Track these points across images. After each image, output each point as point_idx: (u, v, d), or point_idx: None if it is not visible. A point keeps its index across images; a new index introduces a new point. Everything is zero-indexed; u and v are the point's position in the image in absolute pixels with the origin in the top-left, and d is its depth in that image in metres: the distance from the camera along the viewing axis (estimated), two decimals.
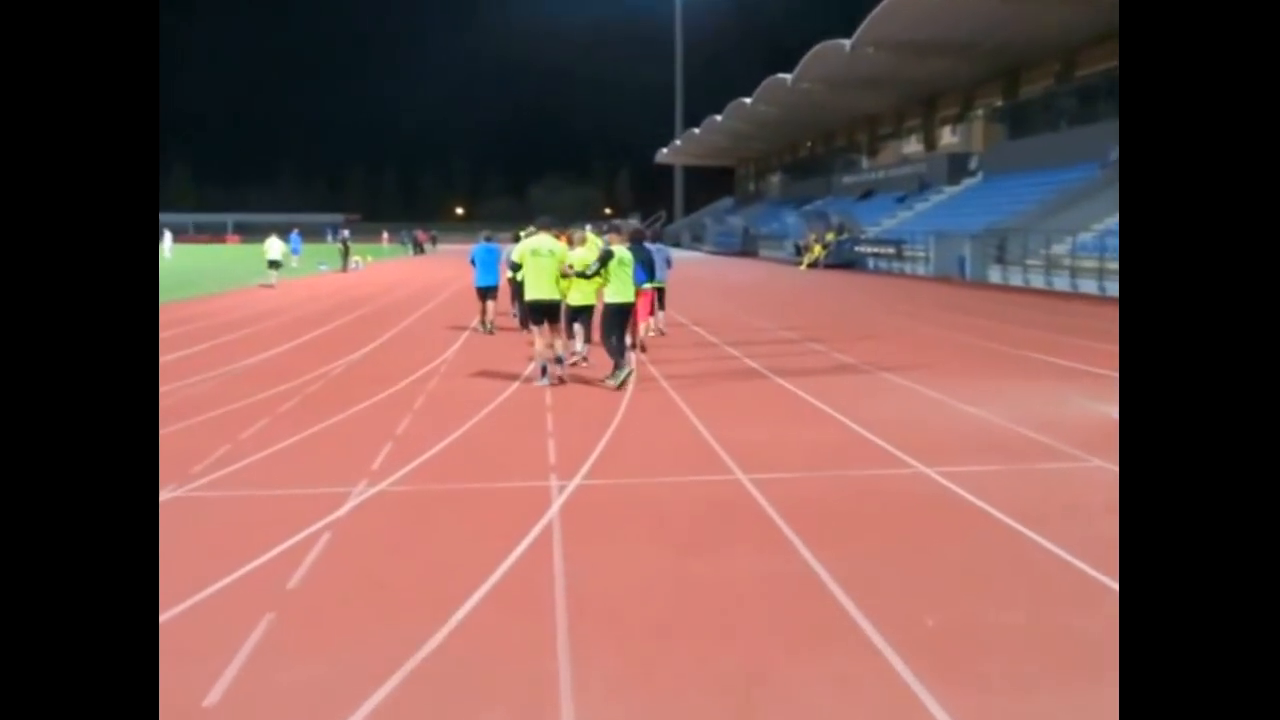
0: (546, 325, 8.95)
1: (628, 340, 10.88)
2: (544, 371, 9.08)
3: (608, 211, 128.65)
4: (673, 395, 8.73)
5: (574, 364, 9.78)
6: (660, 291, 13.62)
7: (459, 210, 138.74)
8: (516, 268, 9.40)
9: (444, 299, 20.65)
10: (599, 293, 9.10)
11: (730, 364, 11.02)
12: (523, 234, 14.30)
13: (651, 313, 12.89)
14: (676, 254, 12.27)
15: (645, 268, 12.23)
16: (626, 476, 5.64)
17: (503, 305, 15.98)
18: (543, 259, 9.24)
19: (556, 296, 9.01)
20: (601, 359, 10.06)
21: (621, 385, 8.58)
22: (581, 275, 9.07)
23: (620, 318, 8.99)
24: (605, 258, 8.97)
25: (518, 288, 12.70)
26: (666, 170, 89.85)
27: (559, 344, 9.10)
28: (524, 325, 10.47)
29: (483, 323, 13.92)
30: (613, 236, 9.55)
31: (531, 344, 9.46)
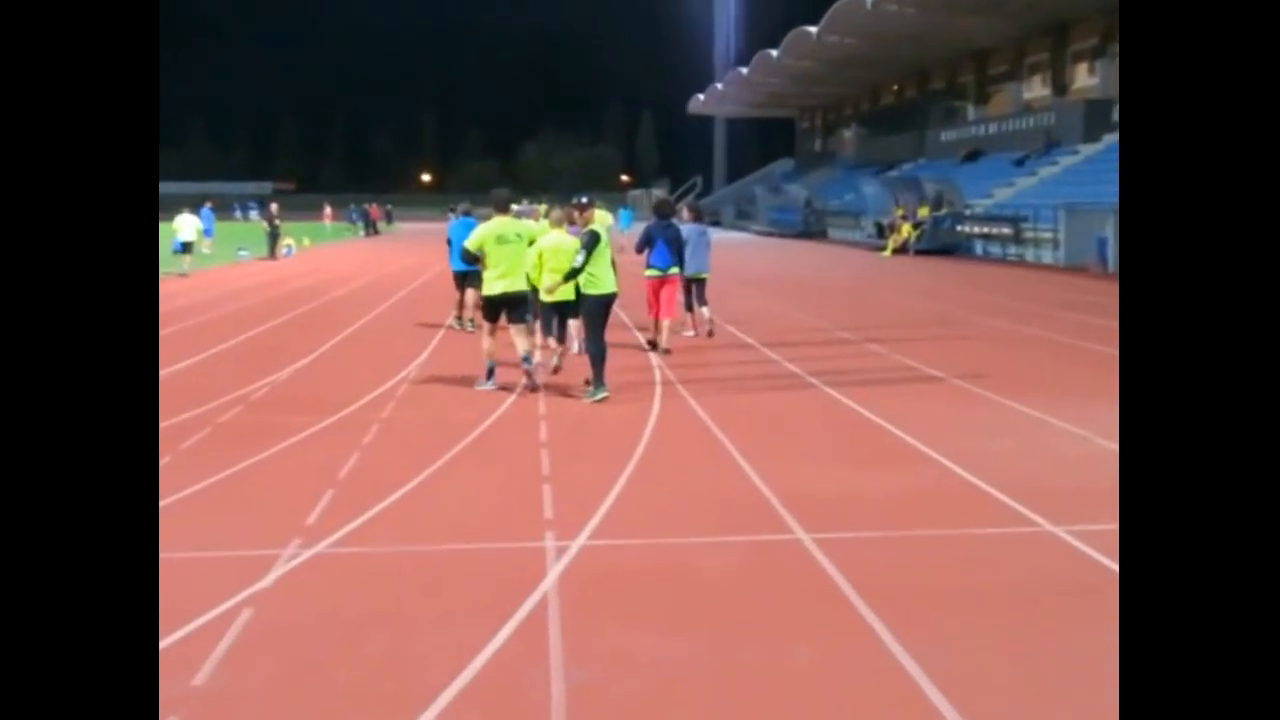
0: (501, 321, 9.85)
1: (649, 336, 11.36)
2: (490, 373, 10.01)
3: (624, 179, 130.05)
4: (704, 418, 8.84)
5: (554, 370, 10.68)
6: (700, 283, 13.76)
7: (425, 177, 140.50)
8: (473, 259, 9.98)
9: (409, 293, 20.90)
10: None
11: (778, 374, 11.25)
12: (452, 215, 15.21)
13: (690, 308, 13.20)
14: (709, 236, 12.62)
15: (672, 249, 12.81)
16: (647, 535, 5.66)
17: None
18: (508, 246, 9.85)
19: (523, 288, 9.86)
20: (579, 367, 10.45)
21: (601, 400, 9.31)
22: (573, 274, 9.57)
23: (602, 314, 9.60)
24: (591, 243, 9.49)
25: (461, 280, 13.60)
26: (703, 124, 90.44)
27: (522, 343, 9.82)
28: (554, 334, 11.12)
29: (459, 317, 14.41)
30: (589, 214, 10.12)
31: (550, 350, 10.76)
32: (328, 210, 62.11)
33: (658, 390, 10.21)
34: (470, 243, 10.05)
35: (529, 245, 10.20)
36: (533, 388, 9.77)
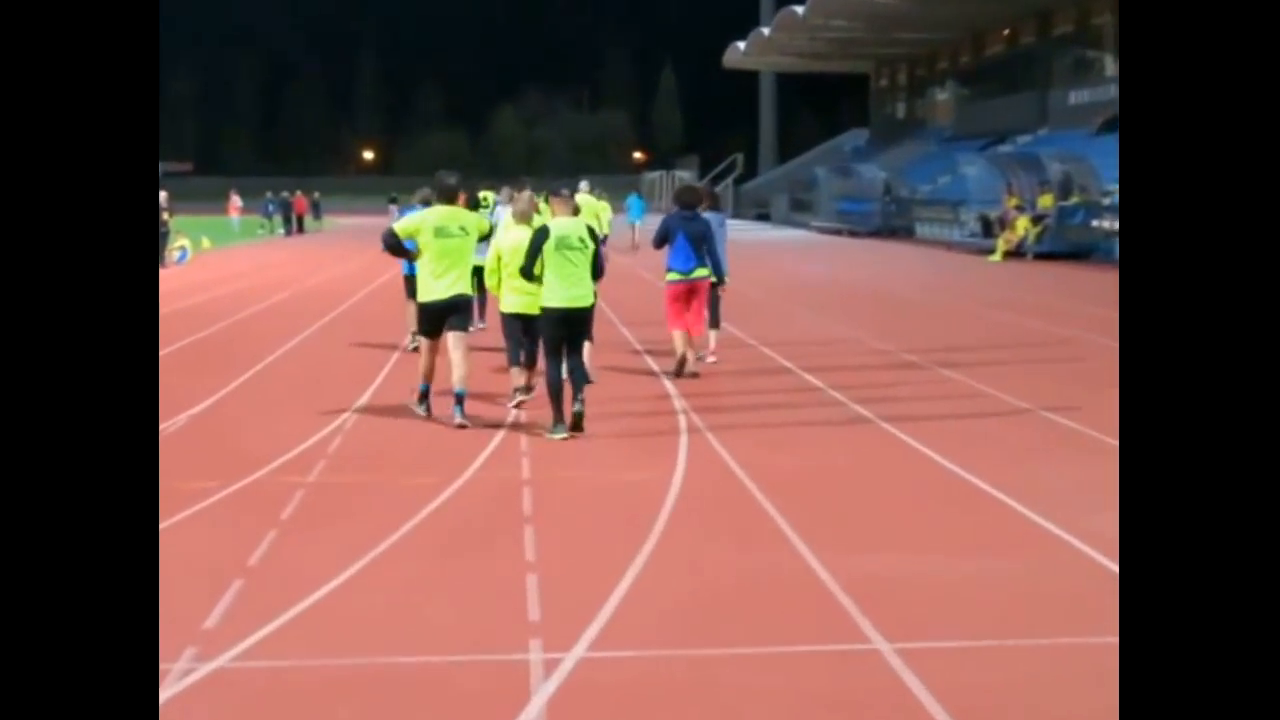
0: (443, 336, 10.82)
1: (681, 354, 13.00)
2: (423, 397, 11.09)
3: (637, 157, 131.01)
4: (741, 475, 8.95)
5: (517, 404, 11.53)
6: (713, 288, 14.03)
7: (367, 155, 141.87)
8: (398, 247, 10.94)
9: (346, 310, 21.07)
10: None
11: (837, 415, 11.51)
12: (394, 206, 16.33)
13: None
14: (753, 234, 12.89)
15: (697, 247, 13.41)
16: (666, 644, 5.69)
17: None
18: (450, 240, 10.74)
19: (465, 292, 10.85)
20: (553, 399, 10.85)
21: (567, 437, 10.19)
22: (530, 278, 10.56)
23: (555, 333, 10.54)
24: (538, 242, 10.46)
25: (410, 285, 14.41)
26: (744, 82, 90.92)
27: (459, 363, 10.74)
28: (514, 358, 11.79)
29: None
30: (556, 203, 10.93)
31: (516, 385, 11.62)
32: (235, 200, 62.16)
33: (681, 438, 10.33)
34: (400, 227, 10.90)
35: (478, 242, 10.99)
36: (427, 414, 10.88)
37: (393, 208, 66.75)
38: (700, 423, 11.06)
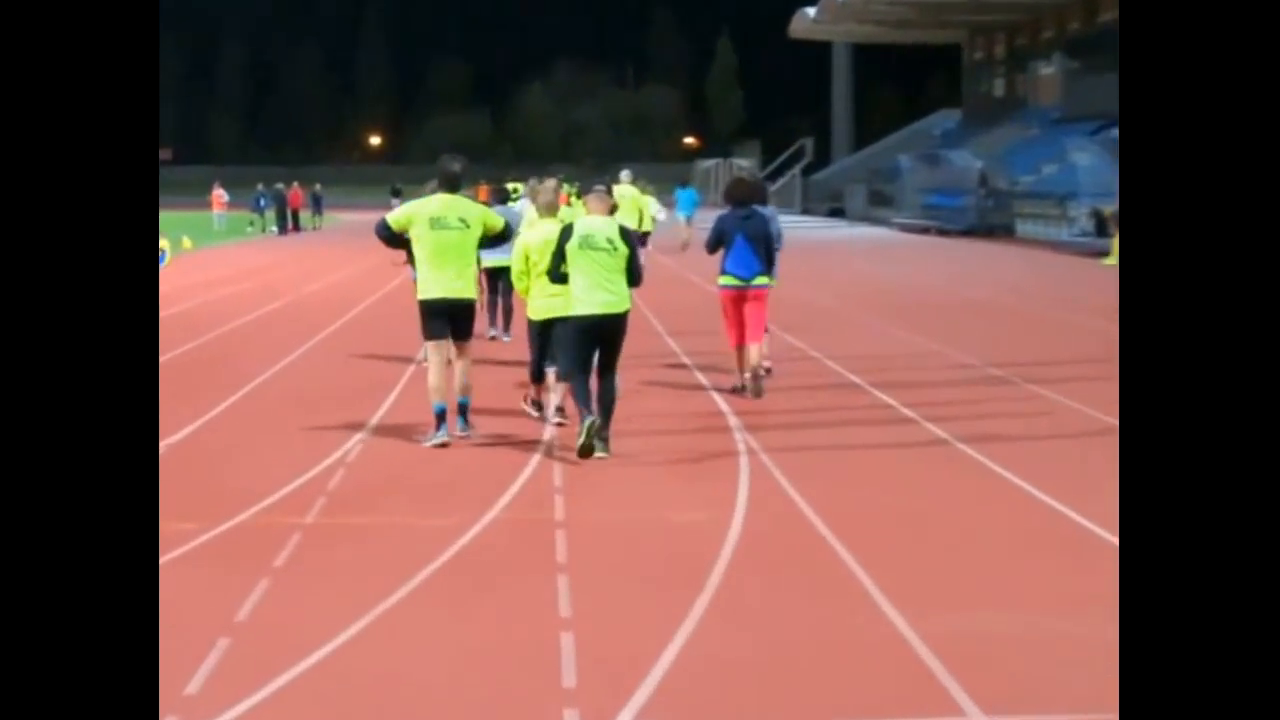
0: (448, 342, 11.35)
1: (741, 367, 13.43)
2: (439, 421, 11.26)
3: (688, 143, 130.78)
4: (810, 514, 8.99)
5: (539, 415, 12.16)
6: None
7: (373, 140, 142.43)
8: (395, 239, 11.50)
9: (351, 321, 21.10)
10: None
11: (904, 433, 11.64)
12: (395, 197, 17.86)
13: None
14: (823, 233, 13.10)
15: (757, 248, 13.66)
16: (723, 715, 5.68)
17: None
18: (447, 234, 11.16)
19: (464, 295, 11.30)
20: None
21: (585, 452, 10.59)
22: (556, 280, 11.08)
23: (578, 345, 10.93)
24: (562, 240, 10.93)
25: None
26: (814, 56, 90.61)
27: (460, 374, 11.35)
28: (537, 372, 12.35)
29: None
30: (590, 201, 11.31)
31: (534, 398, 12.37)
32: (219, 193, 62.13)
33: (739, 467, 10.39)
34: (394, 217, 11.46)
35: (479, 237, 11.34)
36: (442, 444, 11.16)
37: (395, 201, 66.82)
38: (759, 447, 11.14)
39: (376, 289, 27.60)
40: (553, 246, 11.06)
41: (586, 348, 10.93)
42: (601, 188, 11.46)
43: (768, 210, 14.75)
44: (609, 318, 10.86)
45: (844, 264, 36.03)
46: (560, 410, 12.10)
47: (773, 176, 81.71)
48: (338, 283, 30.20)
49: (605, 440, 10.77)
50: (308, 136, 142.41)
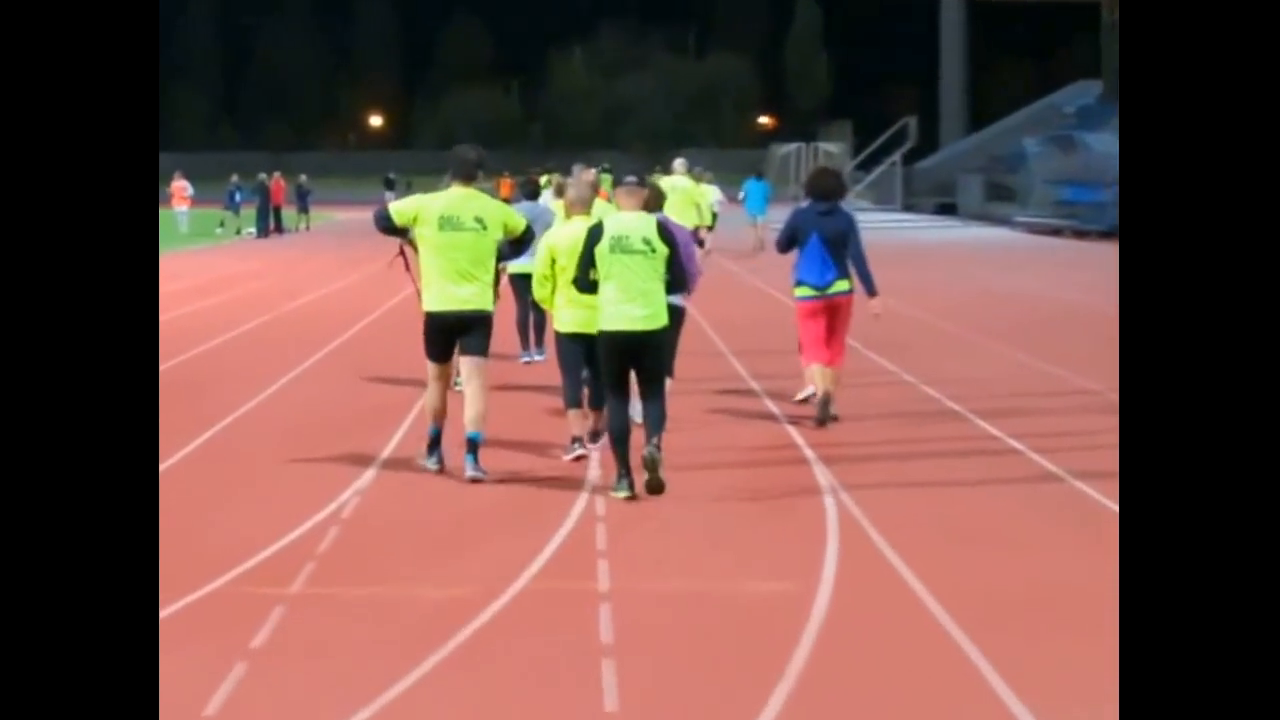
0: (451, 366, 11.94)
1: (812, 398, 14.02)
2: (433, 444, 12.02)
3: (763, 122, 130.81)
4: (912, 580, 9.02)
5: (576, 457, 12.43)
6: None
7: (374, 121, 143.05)
8: (391, 228, 11.86)
9: (351, 340, 21.18)
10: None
11: (1026, 472, 11.85)
12: (389, 190, 18.45)
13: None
14: (930, 234, 13.19)
15: (833, 250, 13.98)
16: None
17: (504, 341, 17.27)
18: (460, 234, 11.49)
19: (482, 306, 11.64)
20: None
21: (632, 495, 11.00)
22: (585, 289, 11.39)
23: (618, 363, 11.25)
24: (590, 242, 11.23)
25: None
26: (918, 14, 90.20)
27: (474, 402, 11.66)
28: (572, 397, 12.56)
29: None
30: (622, 195, 11.56)
31: (574, 433, 12.57)
32: (180, 185, 60.81)
33: (825, 517, 10.42)
34: (398, 208, 11.81)
35: (498, 240, 11.65)
36: (438, 467, 11.88)
37: (389, 195, 67.06)
38: (843, 489, 11.23)
39: (380, 302, 27.68)
40: (569, 248, 11.52)
41: (619, 370, 11.22)
42: (633, 179, 11.65)
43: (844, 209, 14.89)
44: (643, 335, 11.10)
45: (953, 272, 35.97)
46: (578, 441, 12.41)
47: (867, 165, 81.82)
48: (333, 295, 30.36)
49: (656, 474, 11.02)
50: (293, 117, 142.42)
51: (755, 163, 64.59)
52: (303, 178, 64.17)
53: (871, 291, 14.35)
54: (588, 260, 11.15)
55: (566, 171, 31.33)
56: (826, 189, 14.27)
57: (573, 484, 11.64)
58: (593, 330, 11.51)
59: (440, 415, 11.89)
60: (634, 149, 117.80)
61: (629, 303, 11.04)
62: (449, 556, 9.73)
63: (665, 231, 11.27)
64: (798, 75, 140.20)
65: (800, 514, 10.76)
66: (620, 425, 11.17)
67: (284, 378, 18.26)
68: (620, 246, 11.05)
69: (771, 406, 15.18)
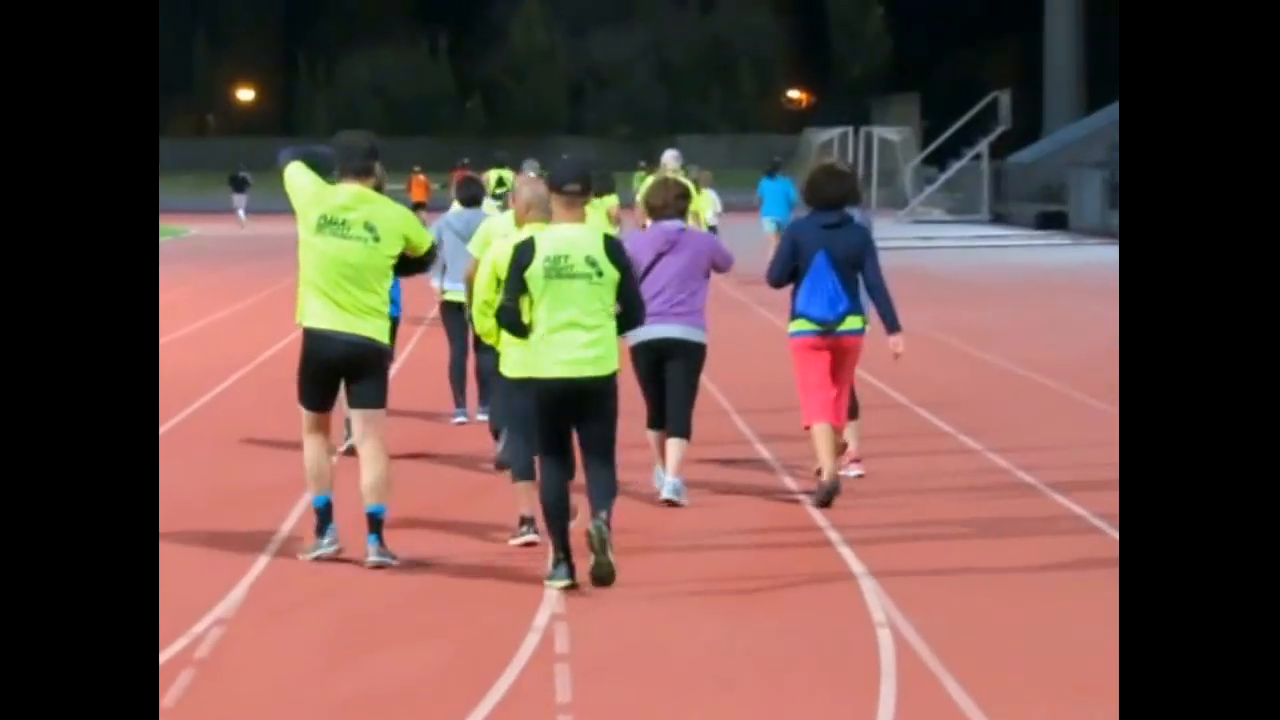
0: (330, 416, 12.51)
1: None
2: (322, 523, 12.47)
3: (793, 97, 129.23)
4: (960, 700, 9.24)
5: (523, 542, 12.91)
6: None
7: (244, 95, 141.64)
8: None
9: (218, 400, 20.98)
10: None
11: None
12: (237, 191, 17.93)
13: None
14: (1021, 256, 13.26)
15: (843, 273, 14.38)
16: None
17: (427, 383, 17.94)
18: (344, 243, 11.95)
19: (374, 337, 12.17)
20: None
21: (571, 584, 11.49)
22: (511, 325, 11.94)
23: (553, 417, 11.80)
24: (519, 264, 11.72)
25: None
26: None
27: (371, 467, 12.18)
28: (519, 463, 12.99)
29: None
30: (560, 203, 12.02)
31: (523, 512, 12.97)
32: None
33: (882, 655, 10.37)
34: (288, 179, 12.28)
35: (395, 256, 12.09)
36: (335, 549, 12.28)
37: (237, 198, 66.95)
38: (892, 601, 11.33)
39: (254, 350, 27.84)
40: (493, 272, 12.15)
41: (556, 427, 11.64)
42: (576, 187, 11.98)
43: (859, 216, 15.24)
44: (586, 383, 11.50)
45: (1061, 311, 36.02)
46: (528, 524, 12.70)
47: (941, 157, 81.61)
48: (190, 341, 30.32)
49: (605, 555, 11.37)
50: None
51: (781, 153, 64.02)
52: (243, 172, 63.89)
53: (894, 326, 14.75)
54: (515, 286, 11.54)
55: (517, 167, 31.68)
56: (832, 194, 14.64)
57: (523, 600, 11.57)
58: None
59: (325, 481, 12.30)
60: (614, 134, 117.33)
61: (571, 342, 11.48)
62: (344, 693, 9.75)
63: (614, 250, 11.77)
64: (844, 31, 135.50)
65: (834, 636, 10.82)
66: (554, 493, 11.59)
67: None
68: (558, 269, 11.42)
69: (788, 481, 15.59)
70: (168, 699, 9.61)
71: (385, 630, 11.10)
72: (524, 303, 11.53)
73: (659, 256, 14.61)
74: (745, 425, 19.18)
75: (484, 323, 12.75)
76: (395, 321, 15.31)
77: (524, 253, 11.56)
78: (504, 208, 17.88)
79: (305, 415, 12.22)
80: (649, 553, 12.75)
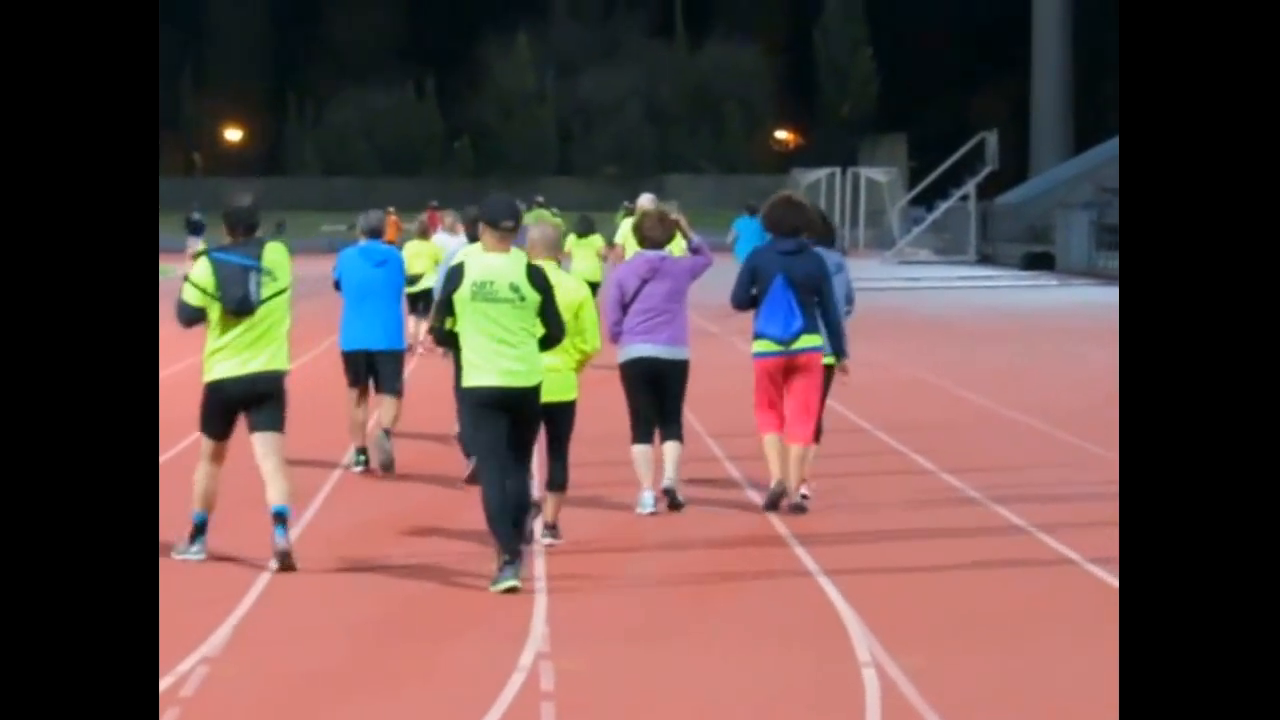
0: (226, 445, 14.16)
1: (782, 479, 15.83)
2: (197, 532, 14.09)
3: (782, 138, 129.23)
4: None
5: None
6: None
7: (231, 136, 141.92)
8: (196, 316, 14.06)
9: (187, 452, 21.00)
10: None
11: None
12: (193, 234, 20.57)
13: (814, 434, 16.07)
14: (1006, 298, 13.41)
15: (802, 296, 15.64)
16: None
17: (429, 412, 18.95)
18: (266, 294, 13.67)
19: (274, 368, 13.86)
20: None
21: (514, 588, 12.58)
22: (441, 341, 13.92)
23: (487, 420, 13.17)
24: (448, 287, 13.08)
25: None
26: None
27: (275, 486, 13.73)
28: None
29: (362, 455, 18.84)
30: (489, 235, 13.28)
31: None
32: None
33: (867, 696, 10.41)
34: (190, 292, 13.74)
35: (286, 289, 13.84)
36: (284, 552, 13.45)
37: (193, 241, 67.75)
38: (878, 641, 11.39)
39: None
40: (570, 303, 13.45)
41: (492, 430, 12.98)
42: (509, 223, 13.23)
43: (834, 257, 16.41)
44: (517, 392, 12.88)
45: (1045, 353, 36.08)
46: (552, 529, 14.47)
47: (927, 198, 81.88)
48: (187, 374, 30.38)
49: (515, 560, 12.66)
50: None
51: (771, 194, 63.82)
52: (195, 214, 63.23)
53: (840, 352, 15.92)
54: (443, 307, 12.78)
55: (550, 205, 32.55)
56: (790, 223, 15.83)
57: (509, 636, 11.59)
58: (557, 396, 13.88)
59: (210, 501, 13.93)
60: (602, 175, 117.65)
61: (499, 356, 12.82)
62: None
63: (536, 276, 12.96)
64: (832, 72, 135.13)
65: (825, 681, 10.87)
66: (495, 501, 12.73)
67: None
68: (484, 294, 12.77)
69: (754, 496, 16.37)
70: None
71: (370, 668, 11.14)
72: (449, 322, 12.93)
73: (644, 283, 15.91)
74: (719, 449, 19.96)
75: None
76: (401, 353, 18.38)
77: (453, 278, 12.93)
78: None
79: (205, 443, 13.98)
80: (632, 588, 13.01)
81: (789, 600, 12.91)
